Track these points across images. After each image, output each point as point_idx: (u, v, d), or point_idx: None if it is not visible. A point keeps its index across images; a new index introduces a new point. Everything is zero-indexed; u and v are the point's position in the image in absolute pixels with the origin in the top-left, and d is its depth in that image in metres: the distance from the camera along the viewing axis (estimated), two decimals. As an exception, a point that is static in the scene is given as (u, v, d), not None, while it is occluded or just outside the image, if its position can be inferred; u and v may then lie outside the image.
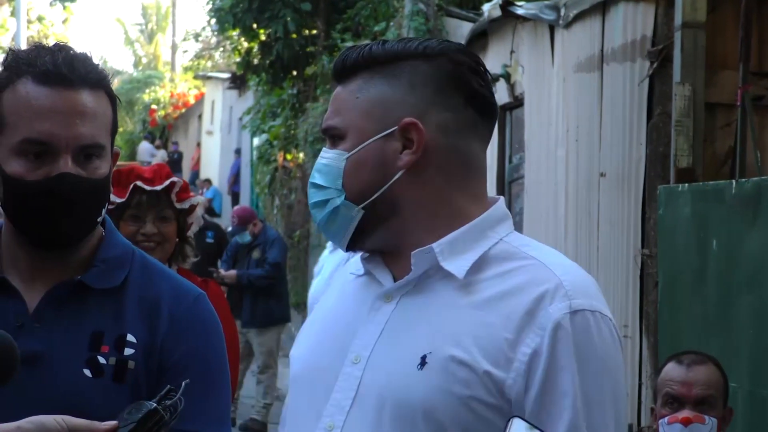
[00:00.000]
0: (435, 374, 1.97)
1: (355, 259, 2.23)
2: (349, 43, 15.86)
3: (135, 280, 2.38)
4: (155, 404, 2.03)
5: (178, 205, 4.23)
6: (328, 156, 2.10)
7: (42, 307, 2.31)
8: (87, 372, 2.28)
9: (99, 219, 2.35)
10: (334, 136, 2.11)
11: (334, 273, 2.36)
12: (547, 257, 2.08)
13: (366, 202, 2.08)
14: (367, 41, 15.62)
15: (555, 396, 1.96)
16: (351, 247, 2.14)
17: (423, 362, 1.99)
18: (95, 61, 2.37)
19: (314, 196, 2.11)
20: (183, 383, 2.10)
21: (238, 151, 29.24)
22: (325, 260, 8.85)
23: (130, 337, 2.31)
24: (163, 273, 2.45)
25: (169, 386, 2.09)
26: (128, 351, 2.31)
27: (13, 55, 2.31)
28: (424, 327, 2.03)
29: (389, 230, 2.09)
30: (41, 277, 2.33)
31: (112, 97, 2.36)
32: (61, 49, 2.32)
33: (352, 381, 2.04)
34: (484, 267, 2.06)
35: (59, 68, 2.27)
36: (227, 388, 2.42)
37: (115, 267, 2.37)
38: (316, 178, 2.11)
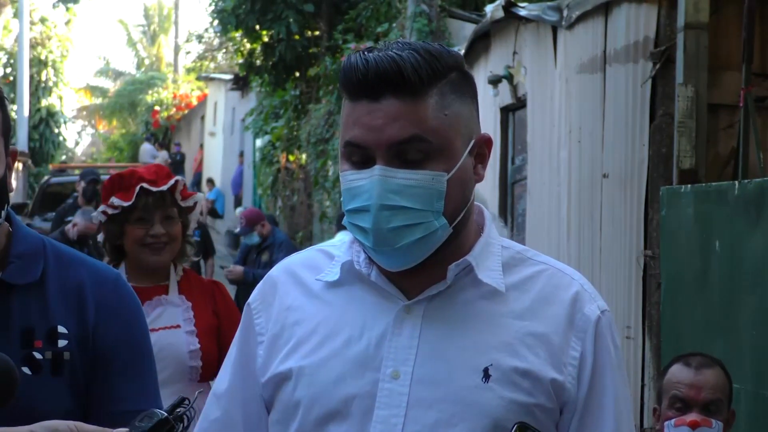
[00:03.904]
0: (501, 386, 2.00)
1: (311, 261, 2.18)
2: (352, 44, 15.86)
3: (53, 271, 2.38)
4: (166, 414, 2.04)
5: (182, 203, 4.25)
6: (419, 177, 1.97)
7: None
8: (26, 370, 2.27)
9: (0, 220, 2.33)
10: (421, 152, 1.98)
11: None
12: (553, 261, 2.15)
13: (456, 221, 2.03)
14: (369, 43, 15.59)
15: (599, 393, 2.06)
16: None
17: (486, 375, 2.00)
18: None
19: (400, 220, 1.97)
20: (197, 392, 2.11)
21: (241, 154, 29.27)
22: None
23: (61, 329, 2.32)
24: (77, 259, 2.45)
25: (181, 395, 2.10)
26: (62, 343, 2.31)
27: None
28: (469, 339, 2.03)
29: (449, 247, 2.05)
30: None
31: (0, 98, 2.35)
32: None
33: (396, 397, 2.01)
34: (505, 275, 2.10)
35: None
36: (154, 365, 2.46)
37: (31, 261, 2.36)
38: (402, 200, 1.97)
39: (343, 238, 2.20)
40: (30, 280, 2.34)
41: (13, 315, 2.31)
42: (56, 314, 2.33)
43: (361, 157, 2.00)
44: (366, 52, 2.00)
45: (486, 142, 2.09)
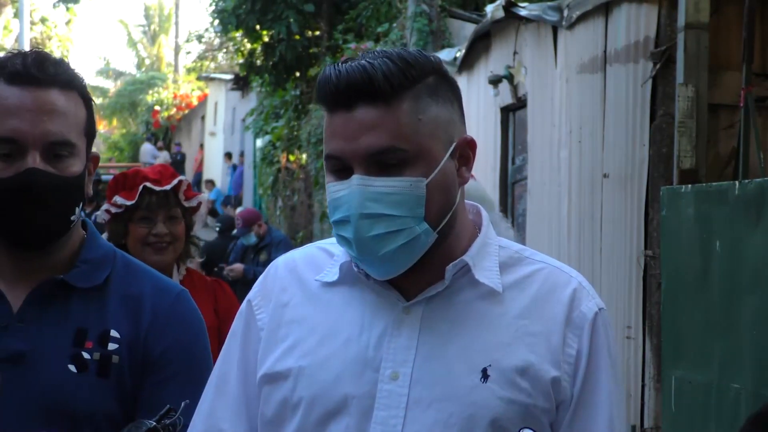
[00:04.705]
0: (500, 386, 2.01)
1: (311, 259, 2.18)
2: (352, 44, 15.87)
3: (117, 278, 2.44)
4: (155, 423, 2.04)
5: (185, 203, 4.25)
6: (397, 184, 1.98)
7: (26, 307, 2.35)
8: (72, 367, 2.32)
9: (73, 218, 2.38)
10: (398, 161, 1.98)
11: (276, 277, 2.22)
12: (551, 260, 2.16)
13: (441, 226, 2.03)
14: (370, 43, 15.57)
15: (592, 390, 2.07)
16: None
17: (485, 375, 2.01)
18: (72, 65, 2.40)
19: (381, 228, 1.98)
20: (183, 403, 2.12)
21: (241, 154, 29.25)
22: None
23: (113, 333, 2.36)
24: (145, 272, 2.50)
25: (168, 405, 2.10)
26: (112, 346, 2.35)
27: None
28: (468, 340, 2.04)
29: (437, 250, 2.05)
30: (24, 278, 2.37)
31: (87, 100, 2.41)
32: (33, 52, 2.37)
33: (396, 398, 2.02)
34: (502, 275, 2.10)
35: (28, 68, 2.31)
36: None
37: (97, 267, 2.43)
38: (381, 208, 1.97)
39: None
40: (92, 284, 2.40)
41: (71, 315, 2.37)
42: (112, 318, 2.38)
43: (341, 167, 2.01)
44: (340, 64, 2.01)
45: (468, 144, 2.09)
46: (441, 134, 2.03)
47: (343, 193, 2.00)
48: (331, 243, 2.22)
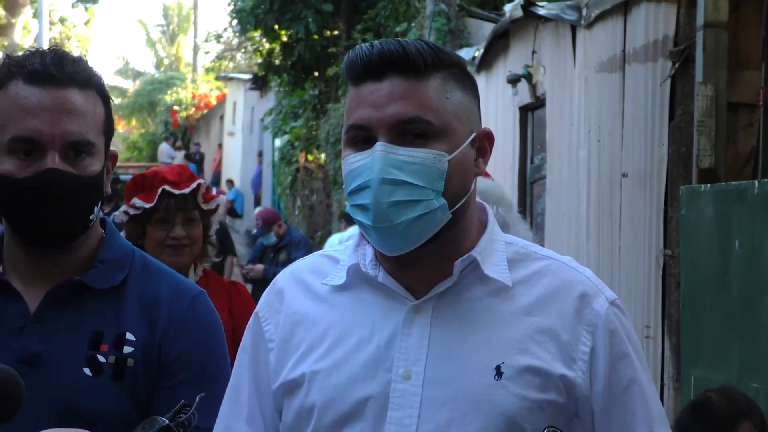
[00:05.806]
0: (514, 383, 2.00)
1: (316, 267, 2.18)
2: (371, 44, 15.87)
3: (135, 279, 2.43)
4: (168, 420, 2.04)
5: (204, 206, 4.24)
6: (420, 155, 1.99)
7: (43, 308, 2.35)
8: (87, 371, 2.32)
9: (92, 217, 2.37)
10: (423, 133, 2.00)
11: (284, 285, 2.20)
12: (557, 255, 2.16)
13: (456, 207, 2.04)
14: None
15: (623, 385, 2.07)
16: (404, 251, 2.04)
17: (499, 372, 2.01)
18: (90, 63, 2.42)
19: (401, 195, 1.98)
20: (197, 397, 2.11)
21: (260, 153, 29.29)
22: None
23: (129, 336, 2.36)
24: (163, 272, 2.49)
25: (183, 401, 2.10)
26: (127, 349, 2.35)
27: (6, 59, 2.37)
28: (479, 337, 2.04)
29: (446, 236, 2.05)
30: (42, 278, 2.37)
31: (105, 98, 2.41)
32: (51, 50, 2.37)
33: (409, 398, 2.01)
34: (511, 270, 2.10)
35: (47, 67, 2.31)
36: (226, 384, 2.41)
37: (115, 268, 2.42)
38: (403, 175, 1.98)
39: (352, 232, 2.20)
40: (108, 286, 2.39)
41: (87, 317, 2.36)
42: (128, 321, 2.37)
43: (363, 137, 2.02)
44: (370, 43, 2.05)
45: (487, 136, 2.12)
46: (464, 119, 2.06)
47: (364, 161, 2.01)
48: (335, 250, 2.23)
